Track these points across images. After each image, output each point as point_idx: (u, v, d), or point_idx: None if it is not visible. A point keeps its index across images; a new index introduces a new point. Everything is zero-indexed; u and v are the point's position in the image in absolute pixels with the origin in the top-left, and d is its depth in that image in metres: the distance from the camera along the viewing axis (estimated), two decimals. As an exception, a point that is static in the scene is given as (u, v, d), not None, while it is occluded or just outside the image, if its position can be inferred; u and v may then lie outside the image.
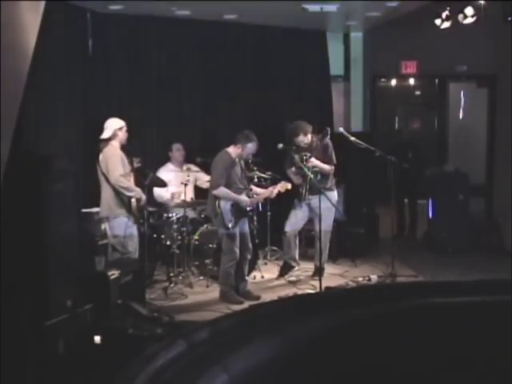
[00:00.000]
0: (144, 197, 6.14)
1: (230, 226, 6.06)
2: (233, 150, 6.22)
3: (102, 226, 6.30)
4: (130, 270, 5.45)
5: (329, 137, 6.85)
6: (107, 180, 5.95)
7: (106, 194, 6.00)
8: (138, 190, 6.08)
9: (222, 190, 6.07)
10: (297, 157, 6.64)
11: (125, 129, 6.15)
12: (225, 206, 6.09)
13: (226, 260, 6.18)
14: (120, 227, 5.96)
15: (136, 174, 6.25)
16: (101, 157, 6.03)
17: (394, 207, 7.48)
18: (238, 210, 6.15)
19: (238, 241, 6.19)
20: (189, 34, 8.30)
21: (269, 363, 1.65)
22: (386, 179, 7.41)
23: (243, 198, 6.20)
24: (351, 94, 9.60)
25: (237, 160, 6.26)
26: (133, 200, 6.05)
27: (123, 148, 6.14)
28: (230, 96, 8.67)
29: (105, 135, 6.06)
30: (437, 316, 1.93)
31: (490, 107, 10.23)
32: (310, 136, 6.81)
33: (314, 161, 6.63)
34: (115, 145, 6.06)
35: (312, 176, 6.48)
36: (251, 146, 6.18)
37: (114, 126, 6.09)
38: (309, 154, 6.60)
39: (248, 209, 6.91)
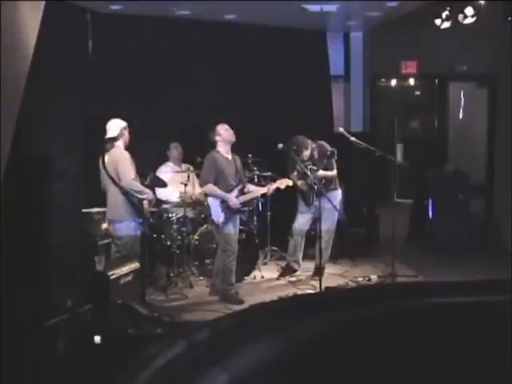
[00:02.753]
0: (154, 198, 6.12)
1: (220, 221, 6.11)
2: (220, 147, 6.29)
3: (103, 226, 6.28)
4: (130, 270, 5.46)
5: (335, 157, 6.93)
6: (115, 183, 5.81)
7: (114, 196, 5.86)
8: (150, 192, 6.03)
9: (210, 187, 6.18)
10: (301, 166, 6.60)
11: (128, 129, 6.07)
12: (213, 202, 6.17)
13: (224, 256, 6.19)
14: (127, 230, 5.88)
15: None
16: (107, 159, 5.88)
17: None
18: (228, 206, 6.17)
19: (235, 236, 6.22)
20: (189, 33, 8.30)
21: (269, 363, 1.65)
22: (386, 179, 7.42)
23: (231, 196, 6.20)
24: (351, 94, 9.60)
25: (230, 158, 6.31)
26: (145, 202, 6.02)
27: (126, 149, 6.06)
28: (230, 96, 8.67)
29: (111, 134, 5.93)
30: (437, 316, 1.93)
31: (490, 107, 10.22)
32: (309, 147, 6.85)
33: (320, 174, 6.76)
34: (121, 146, 5.95)
35: (317, 183, 6.54)
36: (222, 128, 6.24)
37: (119, 125, 5.98)
38: (315, 167, 6.69)
39: (249, 208, 6.90)
